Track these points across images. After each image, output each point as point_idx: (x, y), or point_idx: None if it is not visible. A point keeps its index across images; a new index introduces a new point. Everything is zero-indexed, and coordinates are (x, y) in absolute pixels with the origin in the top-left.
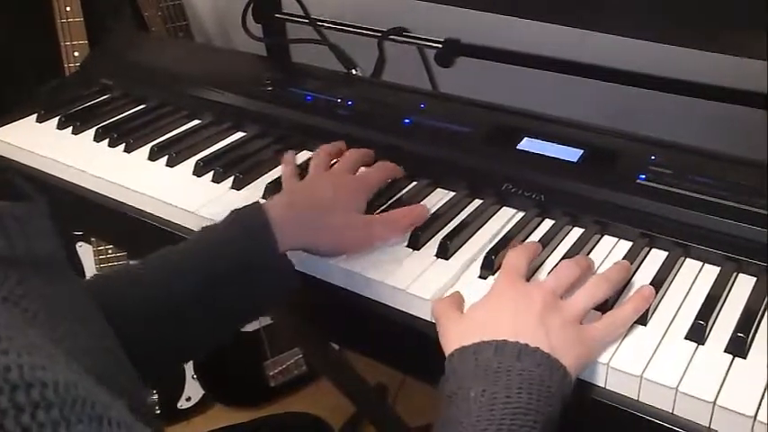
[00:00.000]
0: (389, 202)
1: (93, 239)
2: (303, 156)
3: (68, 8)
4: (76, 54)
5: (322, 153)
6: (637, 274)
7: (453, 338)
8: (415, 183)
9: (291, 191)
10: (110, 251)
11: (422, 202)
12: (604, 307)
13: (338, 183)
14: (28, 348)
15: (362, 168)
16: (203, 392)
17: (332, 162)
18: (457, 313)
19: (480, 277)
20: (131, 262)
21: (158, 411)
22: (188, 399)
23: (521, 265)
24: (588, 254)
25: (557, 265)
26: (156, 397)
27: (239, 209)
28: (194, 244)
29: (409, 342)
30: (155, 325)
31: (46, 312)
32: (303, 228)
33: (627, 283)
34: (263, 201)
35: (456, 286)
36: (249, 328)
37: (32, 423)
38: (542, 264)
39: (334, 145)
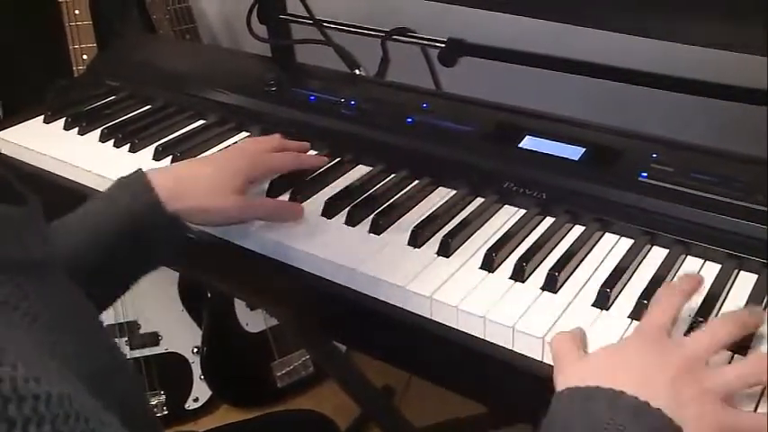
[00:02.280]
0: (388, 202)
1: None
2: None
3: (77, 11)
4: (85, 57)
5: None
6: (637, 272)
7: (568, 378)
8: (417, 181)
9: (185, 160)
10: None
11: (424, 201)
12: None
13: (225, 161)
14: (22, 359)
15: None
16: (210, 393)
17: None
18: (578, 352)
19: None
20: None
21: (166, 412)
22: (195, 399)
23: (666, 317)
24: (589, 252)
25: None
26: (163, 398)
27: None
28: (81, 209)
29: (409, 339)
30: None
31: (44, 315)
32: (174, 194)
33: None
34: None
35: (456, 284)
36: (256, 329)
37: None
38: (544, 260)
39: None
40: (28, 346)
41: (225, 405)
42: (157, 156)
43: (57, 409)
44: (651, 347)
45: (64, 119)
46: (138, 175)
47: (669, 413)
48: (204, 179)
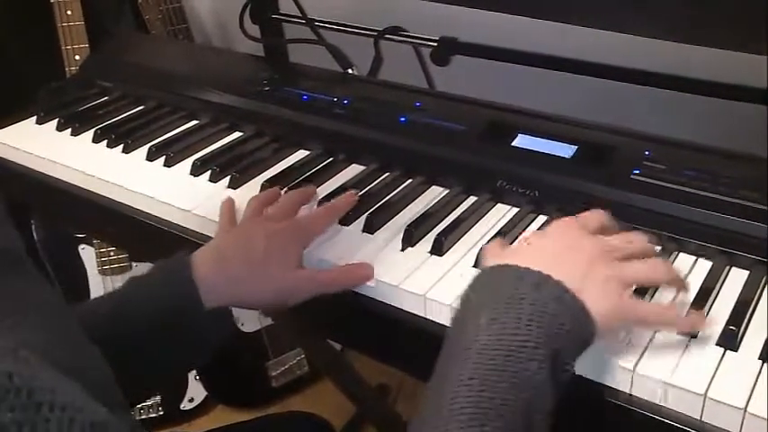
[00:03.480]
0: (381, 201)
1: (95, 242)
2: (299, 155)
3: (69, 12)
4: (77, 58)
5: (254, 201)
6: None
7: (488, 263)
8: (410, 180)
9: (224, 242)
10: (112, 253)
11: (417, 199)
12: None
13: (272, 233)
14: None
15: (304, 209)
16: (206, 393)
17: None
18: (501, 250)
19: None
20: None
21: (161, 413)
22: (191, 400)
23: (593, 222)
24: None
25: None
26: (158, 398)
27: (165, 262)
28: (119, 301)
29: (403, 338)
30: None
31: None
32: (230, 283)
33: None
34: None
35: (450, 282)
36: (251, 328)
37: None
38: None
39: (266, 193)
40: None
41: (220, 405)
42: (150, 156)
43: None
44: (569, 236)
45: (57, 120)
46: (185, 276)
47: (571, 286)
48: (257, 284)
